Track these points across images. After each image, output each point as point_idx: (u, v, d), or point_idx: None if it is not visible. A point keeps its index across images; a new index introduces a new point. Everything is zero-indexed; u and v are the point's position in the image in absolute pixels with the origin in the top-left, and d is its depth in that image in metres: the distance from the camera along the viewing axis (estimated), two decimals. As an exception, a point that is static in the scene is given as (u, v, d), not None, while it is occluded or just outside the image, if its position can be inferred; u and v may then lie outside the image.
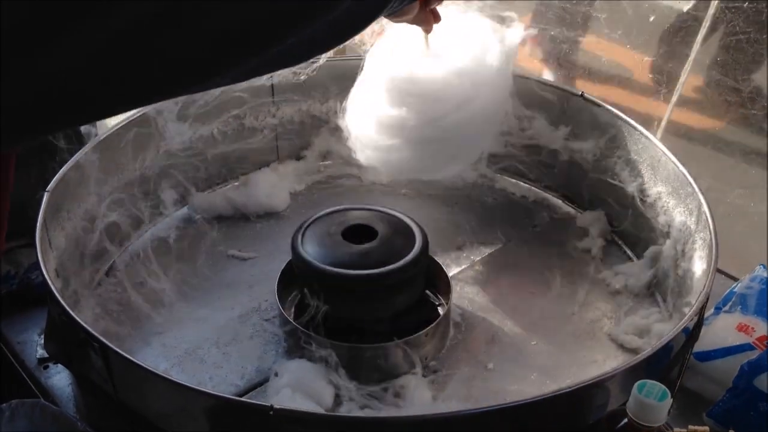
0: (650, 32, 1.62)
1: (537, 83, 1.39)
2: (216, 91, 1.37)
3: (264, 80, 1.42)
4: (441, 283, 1.19)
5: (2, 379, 1.18)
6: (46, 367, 1.15)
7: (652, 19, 1.58)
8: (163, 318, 1.19)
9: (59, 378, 1.13)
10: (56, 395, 1.11)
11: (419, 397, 1.04)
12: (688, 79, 1.47)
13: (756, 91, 1.43)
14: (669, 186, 1.23)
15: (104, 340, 0.91)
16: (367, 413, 1.01)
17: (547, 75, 1.73)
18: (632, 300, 1.23)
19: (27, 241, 1.07)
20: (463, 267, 1.29)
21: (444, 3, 1.10)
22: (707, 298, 1.00)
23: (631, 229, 1.32)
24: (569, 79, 1.71)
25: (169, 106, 1.31)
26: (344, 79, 1.48)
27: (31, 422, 0.93)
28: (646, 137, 1.27)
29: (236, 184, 1.45)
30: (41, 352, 1.15)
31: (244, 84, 1.41)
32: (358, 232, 1.14)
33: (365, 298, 1.11)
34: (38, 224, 1.07)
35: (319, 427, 0.86)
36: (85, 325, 0.93)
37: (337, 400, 1.04)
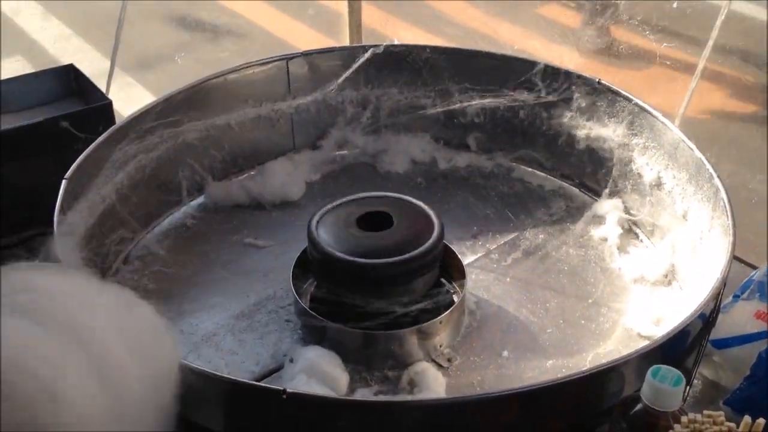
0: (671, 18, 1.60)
1: (553, 70, 1.39)
2: (232, 80, 1.38)
3: (280, 69, 1.43)
4: (456, 271, 1.19)
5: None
6: (64, 354, 1.16)
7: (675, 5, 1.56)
8: (179, 305, 1.19)
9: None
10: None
11: (433, 383, 1.04)
12: (708, 66, 1.45)
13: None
14: (687, 172, 1.22)
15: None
16: (379, 399, 1.01)
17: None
18: (649, 288, 1.22)
19: (44, 229, 1.08)
20: (479, 255, 1.29)
21: None
22: (724, 284, 0.99)
23: (648, 217, 1.31)
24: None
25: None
26: (360, 68, 1.49)
27: None
28: (664, 123, 1.26)
29: (252, 173, 1.46)
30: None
31: (260, 74, 1.42)
32: (374, 220, 1.14)
33: (381, 285, 1.11)
34: (56, 212, 1.08)
35: (331, 411, 0.86)
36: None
37: (352, 386, 1.05)
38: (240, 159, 1.46)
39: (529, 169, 1.47)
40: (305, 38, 3.10)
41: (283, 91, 1.46)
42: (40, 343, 0.62)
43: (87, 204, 1.18)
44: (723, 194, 1.10)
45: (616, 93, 1.32)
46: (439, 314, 1.09)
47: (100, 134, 1.22)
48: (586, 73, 1.37)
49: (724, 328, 1.08)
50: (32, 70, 1.41)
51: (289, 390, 0.82)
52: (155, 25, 3.45)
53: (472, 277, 1.22)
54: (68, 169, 1.14)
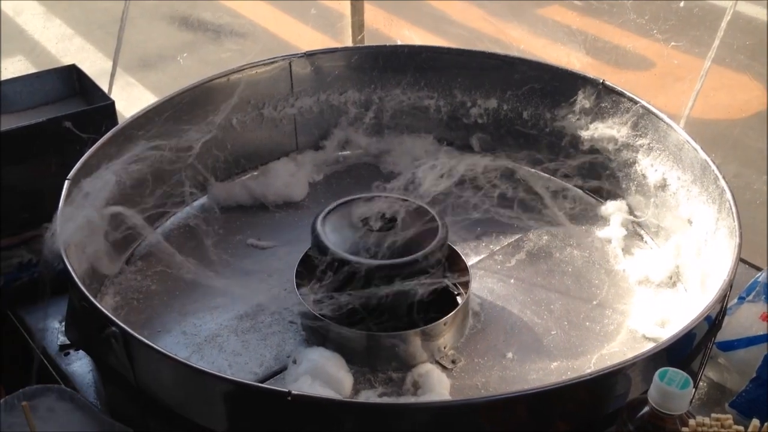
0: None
1: (557, 71, 1.38)
2: (234, 80, 1.38)
3: (283, 70, 1.43)
4: (460, 273, 1.19)
5: (24, 366, 1.19)
6: (66, 354, 1.16)
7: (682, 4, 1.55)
8: (182, 306, 1.19)
9: (80, 364, 1.14)
10: (76, 381, 1.12)
11: (438, 385, 1.03)
12: (714, 66, 1.44)
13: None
14: (692, 174, 1.21)
15: (125, 327, 0.91)
16: (385, 401, 1.01)
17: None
18: (654, 290, 1.22)
19: (47, 229, 1.07)
20: (483, 256, 1.28)
21: None
22: (730, 286, 0.98)
23: (653, 218, 1.30)
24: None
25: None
26: (363, 68, 1.48)
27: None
28: (668, 124, 1.25)
29: (255, 173, 1.46)
30: (62, 339, 1.16)
31: (263, 75, 1.42)
32: (378, 221, 1.13)
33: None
34: (58, 212, 1.08)
35: (336, 413, 0.85)
36: (105, 312, 0.94)
37: (356, 388, 1.04)
38: (242, 159, 1.46)
39: (533, 170, 1.46)
40: (308, 38, 3.09)
41: (286, 92, 1.46)
42: None
43: (89, 204, 1.18)
44: (729, 195, 1.10)
45: (621, 94, 1.32)
46: (443, 316, 1.08)
47: (102, 134, 1.21)
48: (591, 74, 1.37)
49: (729, 330, 1.08)
50: (34, 71, 1.41)
51: (294, 392, 0.81)
52: (158, 25, 3.45)
53: (476, 279, 1.22)
54: (71, 169, 1.14)
